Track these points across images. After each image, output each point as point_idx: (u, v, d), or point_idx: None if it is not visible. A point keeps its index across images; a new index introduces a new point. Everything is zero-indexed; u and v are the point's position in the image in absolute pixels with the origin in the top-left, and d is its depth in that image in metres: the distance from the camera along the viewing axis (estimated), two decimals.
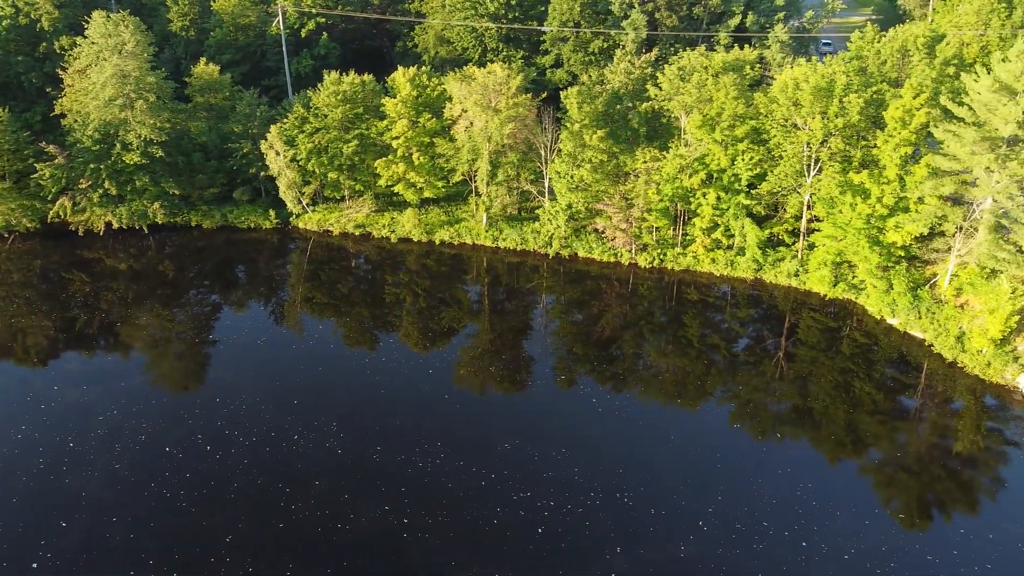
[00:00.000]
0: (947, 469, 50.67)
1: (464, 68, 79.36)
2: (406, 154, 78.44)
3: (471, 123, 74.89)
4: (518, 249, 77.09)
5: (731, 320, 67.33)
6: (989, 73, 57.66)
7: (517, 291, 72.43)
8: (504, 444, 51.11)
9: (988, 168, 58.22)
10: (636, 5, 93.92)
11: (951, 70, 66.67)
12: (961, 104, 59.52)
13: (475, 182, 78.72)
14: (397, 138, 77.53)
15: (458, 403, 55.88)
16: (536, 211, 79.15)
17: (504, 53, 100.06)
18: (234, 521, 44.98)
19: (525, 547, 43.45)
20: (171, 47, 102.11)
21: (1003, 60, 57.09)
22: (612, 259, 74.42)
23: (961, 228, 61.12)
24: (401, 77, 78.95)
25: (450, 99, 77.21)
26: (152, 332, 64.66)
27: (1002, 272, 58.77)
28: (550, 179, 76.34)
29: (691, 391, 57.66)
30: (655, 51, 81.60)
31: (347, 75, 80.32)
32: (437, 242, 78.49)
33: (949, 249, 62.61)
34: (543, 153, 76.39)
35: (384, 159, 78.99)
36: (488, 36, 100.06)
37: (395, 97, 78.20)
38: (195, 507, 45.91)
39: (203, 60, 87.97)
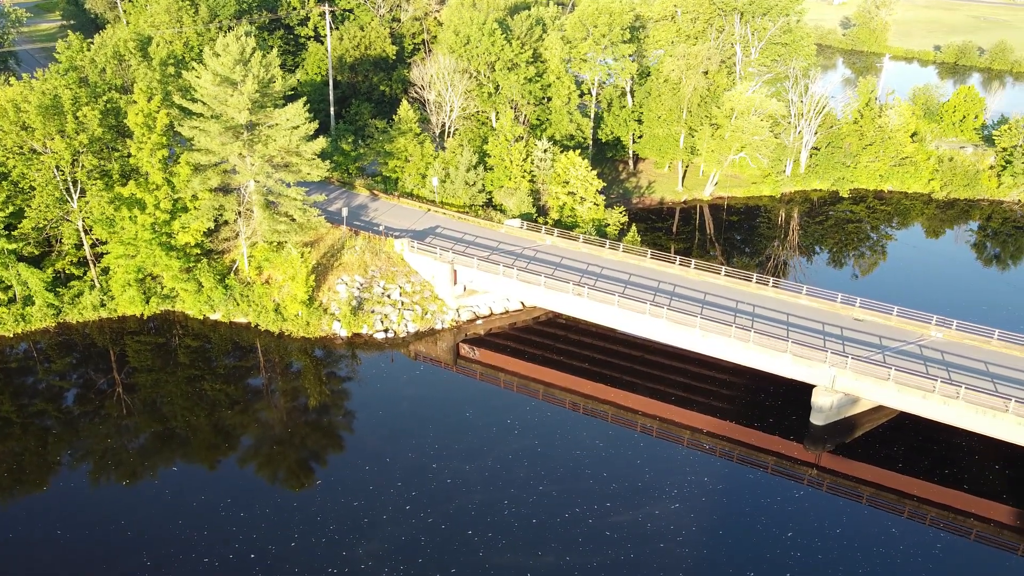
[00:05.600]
0: (312, 424, 55.50)
1: None
2: None
3: None
4: None
5: (48, 377, 59.21)
6: (207, 69, 61.52)
7: None
8: None
9: (241, 154, 63.07)
10: None
11: (171, 70, 68.87)
12: (195, 100, 62.37)
13: None
14: None
15: None
16: None
17: None
18: None
19: None
20: None
21: (215, 56, 61.40)
22: None
23: (240, 213, 65.36)
24: None
25: None
26: None
27: (287, 242, 65.44)
28: None
29: (37, 470, 49.38)
30: None
31: None
32: None
33: (237, 235, 66.51)
34: None
35: None
36: None
37: None
38: None
39: None
